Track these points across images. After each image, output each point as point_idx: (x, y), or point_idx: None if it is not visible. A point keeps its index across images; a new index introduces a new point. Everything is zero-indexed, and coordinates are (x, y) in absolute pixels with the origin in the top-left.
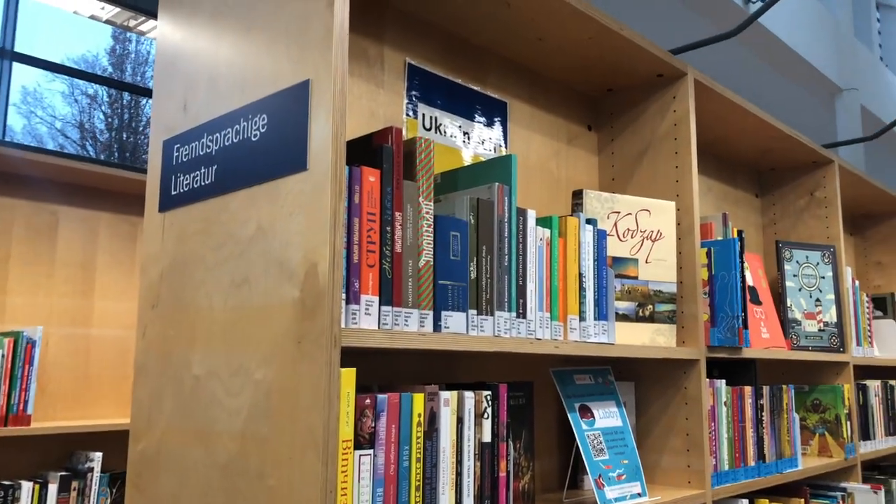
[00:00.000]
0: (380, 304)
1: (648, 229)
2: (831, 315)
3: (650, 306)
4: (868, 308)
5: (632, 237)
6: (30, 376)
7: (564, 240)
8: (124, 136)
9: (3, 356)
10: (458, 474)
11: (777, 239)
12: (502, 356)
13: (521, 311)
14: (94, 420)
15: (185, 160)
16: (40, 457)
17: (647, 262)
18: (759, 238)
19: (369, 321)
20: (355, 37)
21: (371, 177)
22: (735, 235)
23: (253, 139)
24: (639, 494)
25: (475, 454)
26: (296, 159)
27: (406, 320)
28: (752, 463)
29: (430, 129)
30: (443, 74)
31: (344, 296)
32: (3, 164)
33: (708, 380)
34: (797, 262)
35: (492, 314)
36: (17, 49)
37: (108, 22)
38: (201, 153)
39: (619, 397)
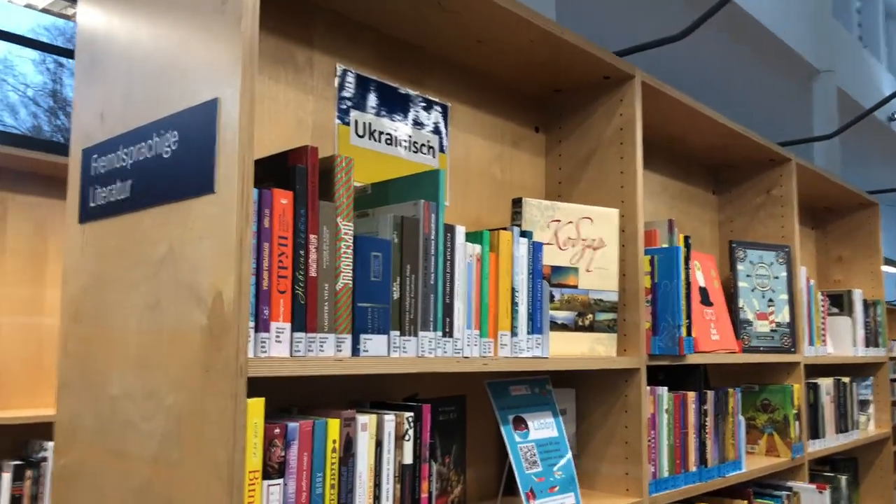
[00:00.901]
0: (292, 331)
1: (590, 237)
2: (784, 315)
3: (590, 315)
4: (823, 306)
5: (573, 246)
6: None
7: (497, 254)
8: None
9: None
10: (377, 498)
11: (731, 238)
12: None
13: (447, 329)
14: (47, 409)
15: (102, 171)
16: (3, 447)
17: (587, 270)
18: (714, 235)
19: (280, 349)
20: (282, 42)
21: (283, 199)
22: (681, 242)
23: (164, 156)
24: None
25: (395, 477)
26: (203, 181)
27: (321, 345)
28: (693, 468)
29: (363, 136)
30: (377, 78)
31: (253, 324)
32: None
33: (650, 387)
34: (751, 262)
35: (415, 335)
36: None
37: (44, 10)
38: (117, 166)
39: (556, 407)
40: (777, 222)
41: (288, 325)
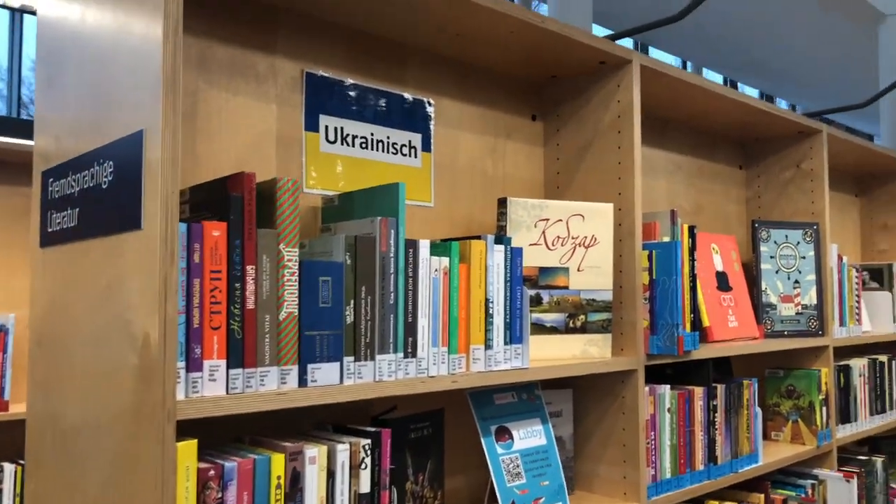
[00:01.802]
0: (227, 368)
1: (581, 235)
2: (811, 297)
3: (582, 316)
4: (858, 283)
5: (562, 245)
6: (4, 363)
7: (468, 265)
8: None
9: None
10: None
11: (760, 215)
12: None
13: (409, 350)
14: None
15: (56, 197)
16: (20, 440)
17: (578, 270)
18: (742, 212)
19: (215, 387)
20: (240, 51)
21: (215, 231)
22: (684, 233)
23: (104, 186)
24: None
25: None
26: (132, 216)
27: (262, 380)
28: (700, 467)
29: (334, 141)
30: (350, 79)
31: (184, 364)
32: None
33: (650, 387)
34: (775, 242)
35: (372, 359)
36: None
37: (2, 6)
38: (68, 192)
39: (545, 413)
40: (807, 197)
41: (223, 363)
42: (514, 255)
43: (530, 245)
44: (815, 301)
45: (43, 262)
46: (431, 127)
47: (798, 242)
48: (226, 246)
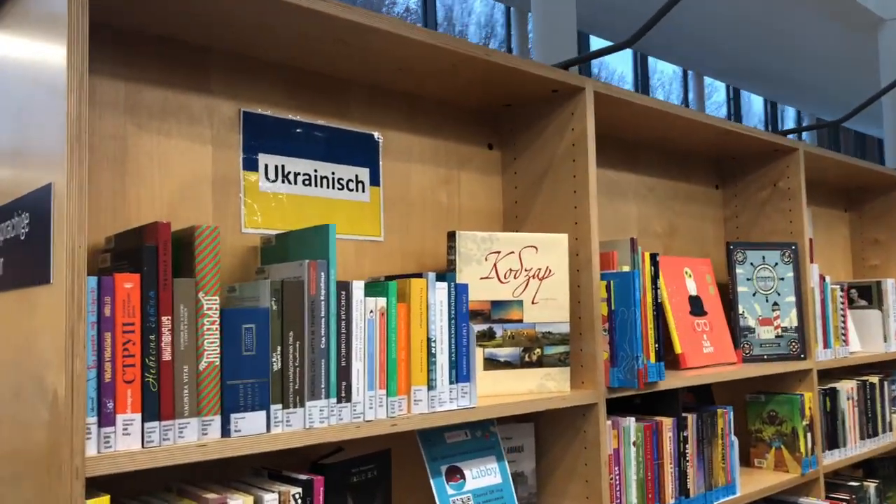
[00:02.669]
0: (143, 421)
1: (535, 267)
2: (791, 319)
3: (538, 350)
4: (843, 303)
5: (514, 277)
6: None
7: (407, 305)
8: None
9: None
10: None
11: (738, 235)
12: None
13: (343, 395)
14: None
15: None
16: None
17: (533, 302)
18: (720, 233)
19: (129, 441)
20: (173, 94)
21: (127, 283)
22: (646, 261)
23: (21, 238)
24: None
25: None
26: (42, 269)
27: (181, 431)
28: (671, 501)
29: (275, 180)
30: (290, 116)
31: (95, 419)
32: None
33: (613, 420)
34: (752, 263)
35: (302, 405)
36: None
37: None
38: None
39: (500, 451)
40: (785, 217)
41: (137, 416)
42: (459, 292)
43: (481, 279)
44: (795, 323)
45: None
46: (380, 160)
47: (776, 263)
48: (139, 298)
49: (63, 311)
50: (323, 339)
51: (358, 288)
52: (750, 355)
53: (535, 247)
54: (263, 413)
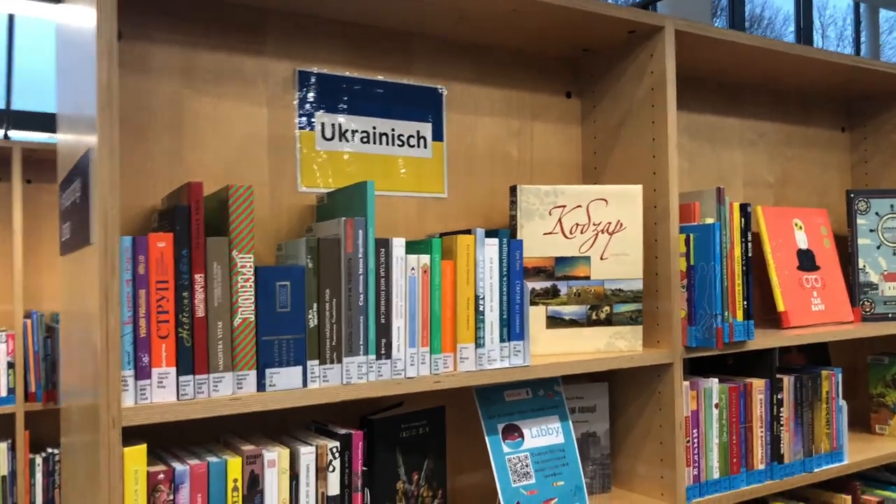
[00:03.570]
0: (178, 375)
1: (604, 221)
2: None
3: (606, 308)
4: None
5: (581, 232)
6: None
7: (453, 262)
8: None
9: (43, 339)
10: None
11: (866, 183)
12: None
13: (383, 351)
14: None
15: (63, 209)
16: None
17: (602, 258)
18: (844, 181)
19: (165, 394)
20: (226, 56)
21: (160, 243)
22: (735, 212)
23: (77, 202)
24: None
25: None
26: (86, 231)
27: (216, 385)
28: (760, 466)
29: (332, 139)
30: (347, 73)
31: (132, 372)
32: None
33: (692, 381)
34: (877, 213)
35: (339, 361)
36: None
37: None
38: (66, 205)
39: (565, 410)
40: None
41: (172, 370)
42: (513, 249)
43: (545, 234)
44: None
45: (62, 271)
46: (443, 114)
47: None
48: (172, 256)
49: (98, 270)
50: (361, 296)
51: (398, 245)
52: (871, 314)
53: (604, 199)
54: (300, 368)
